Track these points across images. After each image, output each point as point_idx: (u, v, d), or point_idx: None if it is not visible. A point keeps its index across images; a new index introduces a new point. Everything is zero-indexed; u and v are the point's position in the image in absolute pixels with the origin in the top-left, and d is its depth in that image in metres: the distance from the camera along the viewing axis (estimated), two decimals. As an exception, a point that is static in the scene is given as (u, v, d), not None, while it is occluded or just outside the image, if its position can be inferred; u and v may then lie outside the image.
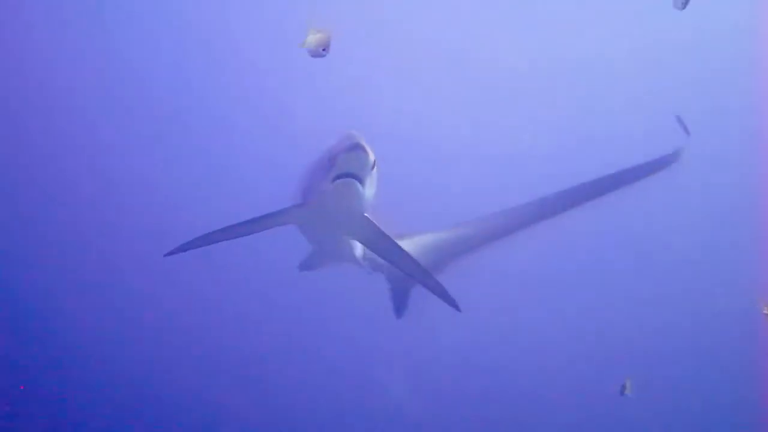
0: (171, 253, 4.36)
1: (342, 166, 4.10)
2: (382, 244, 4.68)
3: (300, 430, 11.75)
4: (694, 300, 13.37)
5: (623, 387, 6.27)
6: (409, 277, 4.81)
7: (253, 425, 11.55)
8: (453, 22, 15.12)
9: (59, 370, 11.48)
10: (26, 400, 10.63)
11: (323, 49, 3.94)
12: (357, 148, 4.04)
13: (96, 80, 14.62)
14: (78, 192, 13.84)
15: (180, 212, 13.10)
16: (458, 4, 14.88)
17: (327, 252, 5.91)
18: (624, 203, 14.37)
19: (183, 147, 15.28)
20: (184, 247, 4.37)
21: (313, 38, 3.91)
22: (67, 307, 12.38)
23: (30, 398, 10.70)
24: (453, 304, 4.63)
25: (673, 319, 13.21)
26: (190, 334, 12.42)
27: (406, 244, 4.90)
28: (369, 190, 4.27)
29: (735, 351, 12.50)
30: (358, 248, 5.50)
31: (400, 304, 6.10)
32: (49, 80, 14.12)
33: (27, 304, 12.18)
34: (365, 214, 4.50)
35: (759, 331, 12.48)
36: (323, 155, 4.33)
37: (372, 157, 4.11)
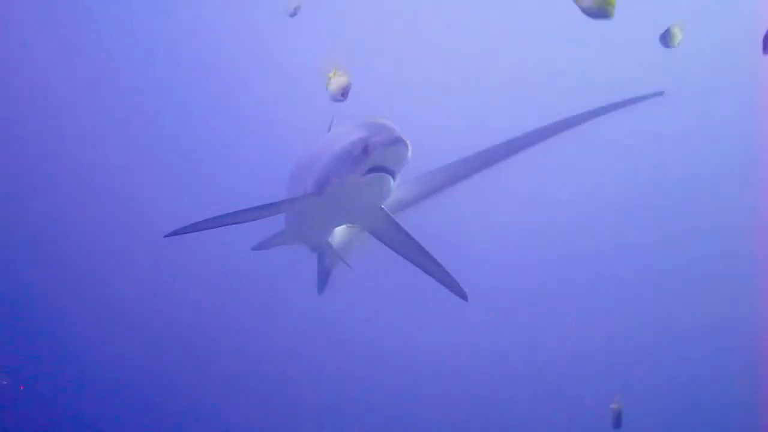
0: (171, 235, 4.19)
1: (378, 159, 3.74)
2: (395, 236, 4.51)
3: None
4: (694, 302, 13.36)
5: (615, 417, 5.68)
6: (420, 268, 4.60)
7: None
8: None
9: (58, 370, 11.49)
10: (26, 400, 10.65)
11: (342, 95, 3.86)
12: (399, 142, 3.68)
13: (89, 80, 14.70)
14: (66, 192, 13.88)
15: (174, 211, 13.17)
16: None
17: (301, 237, 5.67)
18: (623, 204, 14.41)
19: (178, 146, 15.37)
20: (185, 230, 4.21)
21: (335, 83, 3.78)
22: (66, 307, 12.40)
23: (30, 398, 10.72)
24: (462, 295, 4.52)
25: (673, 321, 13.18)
26: (189, 333, 12.43)
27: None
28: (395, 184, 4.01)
29: (733, 354, 12.45)
30: (337, 235, 5.46)
31: (323, 283, 6.24)
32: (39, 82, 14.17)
33: (26, 303, 12.21)
34: (383, 207, 4.31)
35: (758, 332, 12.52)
36: (352, 143, 3.87)
37: (411, 152, 3.78)
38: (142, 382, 11.59)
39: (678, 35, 4.27)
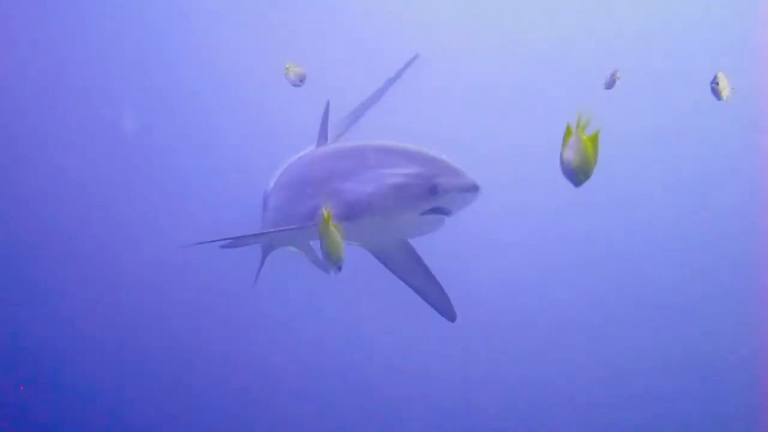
0: (185, 246, 3.85)
1: (446, 202, 3.43)
2: (408, 265, 4.07)
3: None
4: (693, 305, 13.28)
5: None
6: (413, 289, 4.16)
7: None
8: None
9: (59, 371, 11.49)
10: (26, 400, 10.65)
11: (300, 80, 3.68)
12: (477, 190, 3.42)
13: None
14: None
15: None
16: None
17: (282, 242, 5.27)
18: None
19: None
20: (208, 242, 3.78)
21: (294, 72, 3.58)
22: (66, 308, 12.40)
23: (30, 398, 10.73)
24: (452, 318, 4.12)
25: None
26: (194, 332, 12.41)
27: None
28: None
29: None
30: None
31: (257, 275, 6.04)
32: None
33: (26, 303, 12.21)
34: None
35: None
36: (414, 177, 3.45)
37: None
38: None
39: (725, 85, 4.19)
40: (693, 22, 14.29)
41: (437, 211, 3.49)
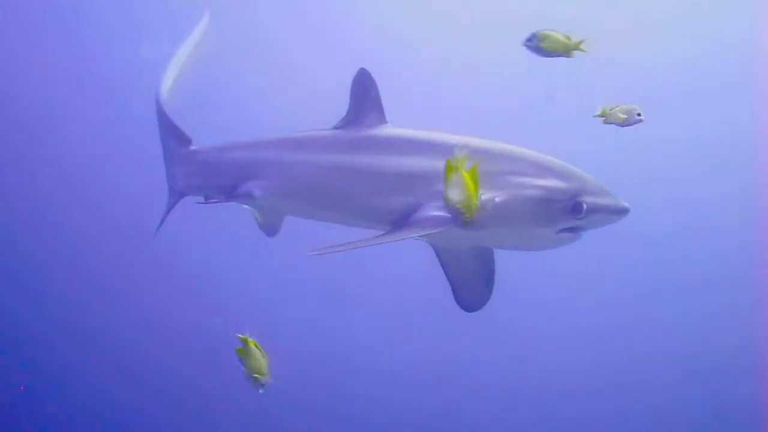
0: (313, 253, 3.07)
1: (588, 222, 3.14)
2: (474, 269, 3.66)
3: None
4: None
5: None
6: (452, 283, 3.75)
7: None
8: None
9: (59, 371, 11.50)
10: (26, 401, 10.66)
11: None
12: (625, 212, 3.18)
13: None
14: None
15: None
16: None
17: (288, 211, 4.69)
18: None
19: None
20: (326, 250, 3.11)
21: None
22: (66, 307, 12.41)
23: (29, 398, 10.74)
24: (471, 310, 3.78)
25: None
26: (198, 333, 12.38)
27: None
28: None
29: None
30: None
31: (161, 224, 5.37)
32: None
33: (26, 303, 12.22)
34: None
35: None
36: (556, 193, 3.10)
37: None
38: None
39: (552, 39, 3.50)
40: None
41: (575, 229, 3.21)
